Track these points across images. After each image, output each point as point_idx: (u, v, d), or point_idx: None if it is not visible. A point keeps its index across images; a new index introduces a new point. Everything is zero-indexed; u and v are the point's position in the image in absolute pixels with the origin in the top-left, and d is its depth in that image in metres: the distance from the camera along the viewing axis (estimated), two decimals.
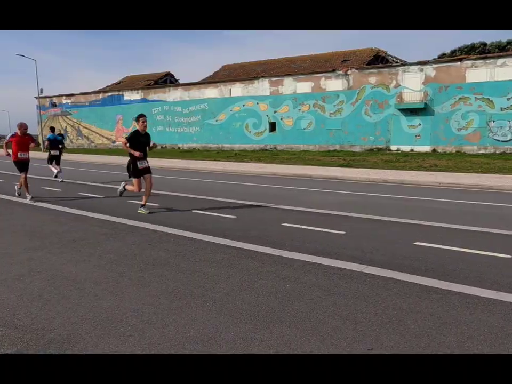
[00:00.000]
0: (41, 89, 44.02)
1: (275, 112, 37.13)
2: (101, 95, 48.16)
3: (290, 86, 36.25)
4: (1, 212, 8.72)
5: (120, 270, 4.81)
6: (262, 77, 37.91)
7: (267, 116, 37.59)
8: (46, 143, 14.67)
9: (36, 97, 49.24)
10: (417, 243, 5.88)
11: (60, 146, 14.75)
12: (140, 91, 45.12)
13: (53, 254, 5.49)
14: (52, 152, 14.45)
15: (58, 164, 14.39)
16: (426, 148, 30.61)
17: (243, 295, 4.05)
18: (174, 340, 3.20)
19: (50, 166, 14.49)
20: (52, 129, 15.47)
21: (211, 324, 3.46)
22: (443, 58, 32.00)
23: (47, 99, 51.36)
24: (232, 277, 4.56)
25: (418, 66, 31.15)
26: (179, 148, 41.88)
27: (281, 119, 36.83)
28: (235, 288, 4.21)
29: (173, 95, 42.69)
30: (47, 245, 5.94)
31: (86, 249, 5.68)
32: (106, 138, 47.17)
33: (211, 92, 40.54)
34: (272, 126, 37.46)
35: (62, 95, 51.30)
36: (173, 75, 50.72)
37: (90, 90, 49.18)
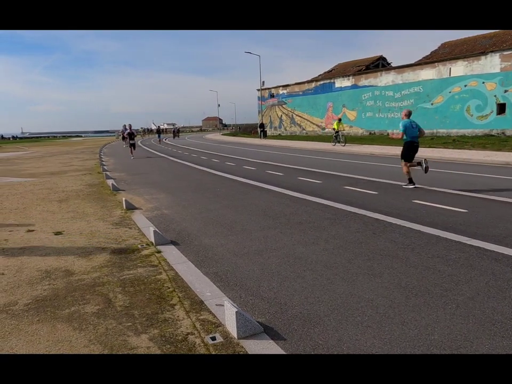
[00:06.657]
0: (263, 82, 48.58)
1: (506, 91, 31.83)
2: (313, 84, 50.11)
3: None
4: (238, 192, 9.93)
5: (348, 257, 4.83)
6: (492, 51, 32.93)
7: (495, 96, 32.59)
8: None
9: (258, 90, 54.73)
10: None
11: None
12: (350, 77, 45.07)
13: (284, 234, 5.92)
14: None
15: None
16: None
17: (492, 303, 3.52)
18: (416, 340, 2.99)
19: None
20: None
21: (457, 330, 3.11)
22: None
23: (267, 90, 56.34)
24: (474, 279, 4.03)
25: None
26: (388, 134, 40.36)
27: None
28: (481, 294, 3.70)
29: (384, 79, 41.17)
30: (277, 225, 6.45)
31: (313, 232, 5.92)
32: (317, 125, 48.99)
33: (427, 73, 37.46)
34: (501, 108, 32.24)
35: (279, 86, 55.40)
36: (385, 58, 48.87)
37: (304, 80, 51.65)
